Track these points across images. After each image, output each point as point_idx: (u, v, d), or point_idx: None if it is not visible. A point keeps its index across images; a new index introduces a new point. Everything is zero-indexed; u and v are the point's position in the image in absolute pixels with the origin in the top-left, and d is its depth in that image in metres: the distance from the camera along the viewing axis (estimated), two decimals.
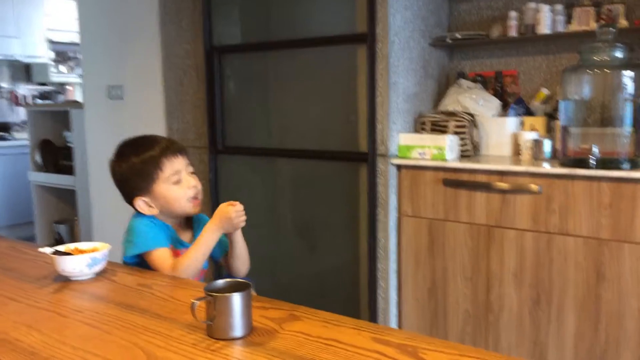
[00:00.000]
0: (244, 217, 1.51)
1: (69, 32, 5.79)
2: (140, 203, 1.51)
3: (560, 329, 2.12)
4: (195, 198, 1.54)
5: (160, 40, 3.21)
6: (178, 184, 1.51)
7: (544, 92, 2.55)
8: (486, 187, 2.22)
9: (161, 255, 1.45)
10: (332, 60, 2.57)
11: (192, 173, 1.57)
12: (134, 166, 1.50)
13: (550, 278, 2.12)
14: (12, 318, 1.09)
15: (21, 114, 5.97)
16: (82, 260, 1.27)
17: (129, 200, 1.53)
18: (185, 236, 1.59)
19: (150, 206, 1.51)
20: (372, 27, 2.35)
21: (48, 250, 1.30)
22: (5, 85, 5.98)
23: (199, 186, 1.55)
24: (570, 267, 2.07)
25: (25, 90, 6.15)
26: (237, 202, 1.50)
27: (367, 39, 2.37)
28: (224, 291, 0.99)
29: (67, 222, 4.50)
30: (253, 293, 1.48)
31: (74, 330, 1.03)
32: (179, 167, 1.51)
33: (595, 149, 2.01)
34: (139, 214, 1.52)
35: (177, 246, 1.53)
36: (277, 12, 2.73)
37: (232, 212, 1.47)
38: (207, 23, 2.88)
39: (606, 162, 2.02)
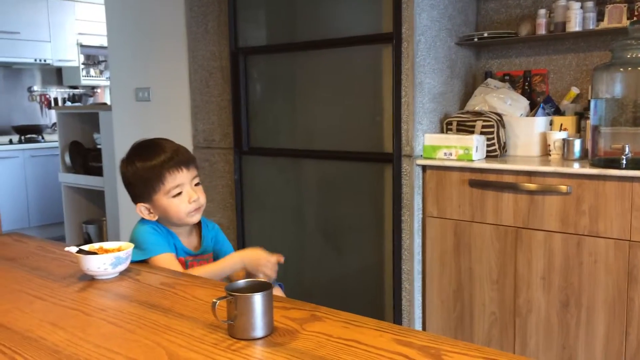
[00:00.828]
0: (272, 273, 1.46)
1: (99, 36, 5.90)
2: (142, 208, 1.52)
3: (589, 333, 2.07)
4: (196, 209, 1.52)
5: (187, 43, 3.24)
6: (179, 196, 1.49)
7: (574, 91, 2.50)
8: (514, 188, 2.18)
9: (166, 260, 1.45)
10: (358, 60, 2.55)
11: (197, 184, 1.53)
12: (137, 172, 1.50)
13: (579, 281, 2.07)
14: (38, 316, 1.10)
15: (52, 116, 6.10)
16: (106, 260, 1.28)
17: (133, 201, 1.54)
18: (190, 243, 1.58)
19: (150, 212, 1.52)
20: (398, 27, 2.33)
21: (73, 249, 1.32)
22: (37, 88, 6.11)
23: (202, 199, 1.52)
24: (601, 270, 2.02)
25: (56, 93, 6.28)
26: (278, 256, 1.47)
27: (393, 38, 2.35)
28: (245, 291, 0.98)
29: (95, 222, 4.58)
30: (282, 294, 1.49)
31: (98, 329, 1.03)
32: (181, 181, 1.49)
33: (627, 149, 1.96)
34: (141, 221, 1.54)
35: (180, 254, 1.53)
36: (302, 13, 2.73)
37: (264, 259, 1.45)
38: (232, 25, 2.90)
39: (638, 162, 1.96)
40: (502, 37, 2.54)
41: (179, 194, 1.48)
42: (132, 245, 1.36)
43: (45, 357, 0.92)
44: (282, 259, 1.47)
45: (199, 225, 1.60)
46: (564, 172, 2.06)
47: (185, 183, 1.49)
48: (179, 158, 1.49)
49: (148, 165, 1.48)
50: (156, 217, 1.52)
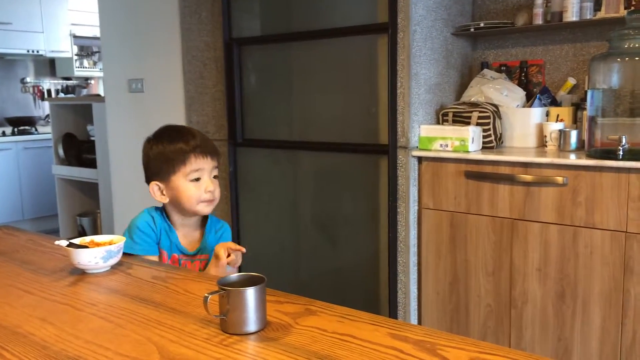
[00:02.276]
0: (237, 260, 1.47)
1: (92, 26, 5.84)
2: (155, 187, 1.52)
3: (585, 325, 2.06)
4: (209, 201, 1.51)
5: (180, 33, 3.20)
6: (196, 182, 1.49)
7: (571, 81, 2.48)
8: (510, 180, 2.16)
9: None
10: (353, 51, 2.53)
11: (216, 177, 1.53)
12: (164, 152, 1.50)
13: (575, 272, 2.06)
14: (27, 311, 1.08)
15: (46, 108, 6.05)
16: (97, 253, 1.26)
17: (147, 181, 1.54)
18: (189, 241, 1.56)
19: (162, 194, 1.51)
20: (394, 17, 2.31)
21: (63, 243, 1.30)
22: (30, 79, 6.06)
23: (217, 193, 1.52)
24: (597, 261, 2.01)
25: (49, 84, 6.23)
26: (239, 248, 1.44)
27: (389, 28, 2.32)
28: (238, 285, 0.97)
29: (89, 214, 4.55)
30: None
31: (87, 324, 1.02)
32: (203, 166, 1.49)
33: (623, 140, 1.95)
34: (145, 211, 1.54)
35: (174, 250, 1.52)
36: (297, 3, 2.69)
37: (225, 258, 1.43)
38: (226, 15, 2.87)
39: (635, 153, 1.95)
40: (498, 27, 2.52)
41: (197, 180, 1.49)
42: (123, 239, 1.34)
43: (34, 353, 0.90)
44: (243, 250, 1.45)
45: (204, 225, 1.58)
46: (560, 163, 2.05)
47: (206, 171, 1.50)
48: (206, 146, 1.51)
49: (176, 146, 1.49)
50: (167, 200, 1.51)
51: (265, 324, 0.96)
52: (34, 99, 6.09)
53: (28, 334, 0.97)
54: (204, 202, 1.50)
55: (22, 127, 5.77)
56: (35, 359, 0.88)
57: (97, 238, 1.35)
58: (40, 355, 0.89)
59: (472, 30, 2.54)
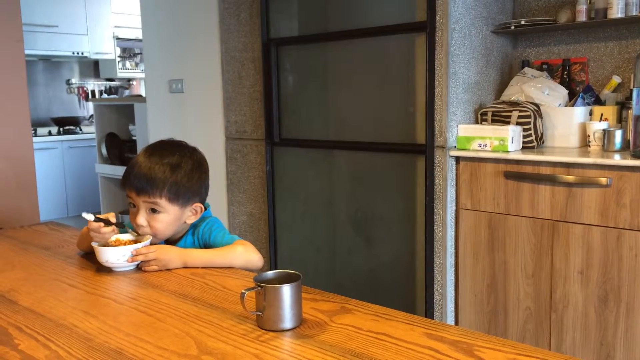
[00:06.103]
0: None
1: (135, 29, 5.98)
2: None
3: (629, 330, 2.00)
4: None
5: (219, 35, 3.25)
6: (133, 209, 1.41)
7: (616, 79, 2.41)
8: (551, 180, 2.12)
9: None
10: (390, 50, 2.52)
11: (155, 212, 1.37)
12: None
13: (619, 276, 2.00)
14: (71, 304, 1.12)
15: (90, 108, 6.22)
16: (125, 252, 1.29)
17: None
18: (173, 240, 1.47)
19: None
20: (432, 15, 2.29)
21: (90, 216, 1.32)
22: (75, 81, 6.24)
23: (149, 229, 1.38)
24: None
25: (93, 85, 6.39)
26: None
27: (427, 27, 2.30)
28: (274, 282, 0.98)
29: None
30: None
31: (128, 317, 1.04)
32: (133, 199, 1.39)
33: None
34: None
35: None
36: (334, 3, 2.70)
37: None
38: (264, 16, 2.89)
39: None
40: (540, 25, 2.47)
41: (134, 206, 1.40)
42: (149, 238, 1.36)
43: (77, 345, 0.93)
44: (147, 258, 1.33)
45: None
46: (604, 163, 2.00)
47: (138, 204, 1.38)
48: (139, 181, 1.36)
49: (130, 164, 1.41)
50: None
51: (301, 321, 0.97)
52: (79, 100, 6.27)
53: (72, 326, 1.01)
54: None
55: (67, 127, 5.94)
56: (79, 350, 0.91)
57: (122, 237, 1.38)
58: (83, 347, 0.92)
59: (512, 28, 2.50)
